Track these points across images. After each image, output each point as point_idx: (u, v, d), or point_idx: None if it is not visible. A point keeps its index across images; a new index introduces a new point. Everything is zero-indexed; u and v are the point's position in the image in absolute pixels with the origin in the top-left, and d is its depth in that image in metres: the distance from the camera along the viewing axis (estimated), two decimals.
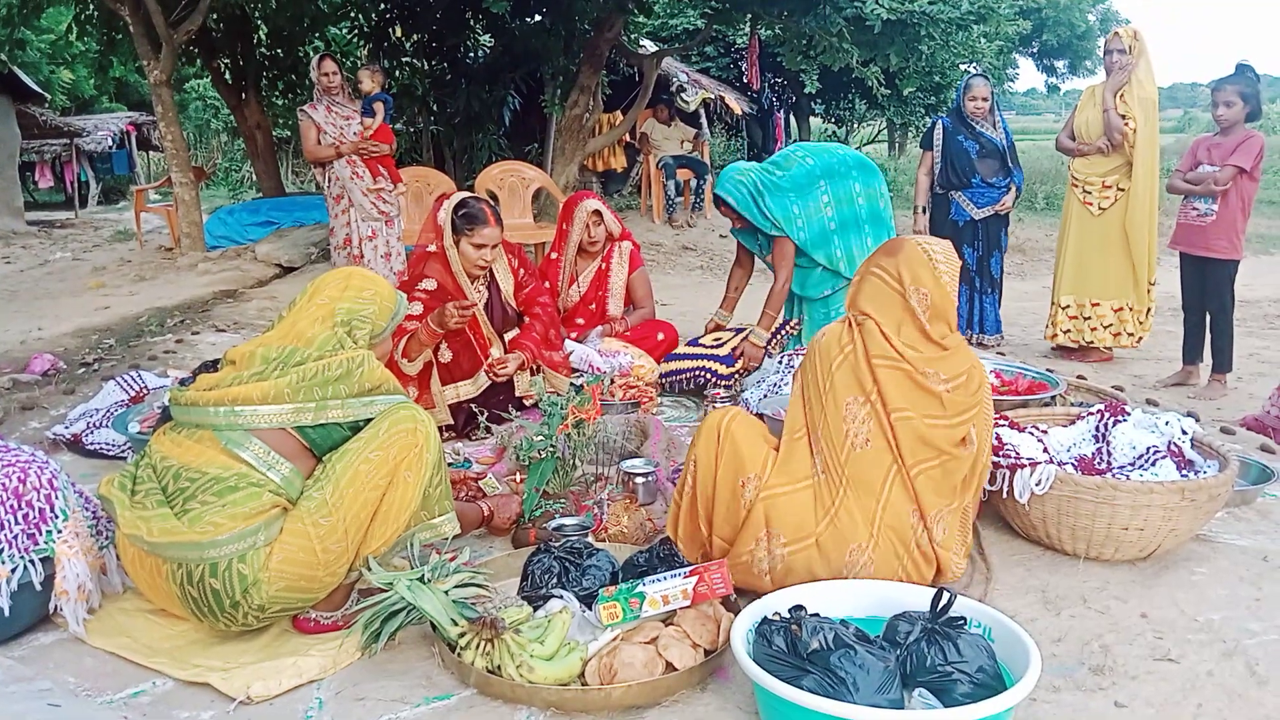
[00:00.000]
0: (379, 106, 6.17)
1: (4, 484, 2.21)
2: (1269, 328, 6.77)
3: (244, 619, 2.12)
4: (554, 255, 4.65)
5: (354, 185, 6.06)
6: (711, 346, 4.22)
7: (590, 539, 2.59)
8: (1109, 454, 2.84)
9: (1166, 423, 2.87)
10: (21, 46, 9.84)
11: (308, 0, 9.70)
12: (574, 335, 4.38)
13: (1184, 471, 2.73)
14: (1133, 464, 2.77)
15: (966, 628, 1.89)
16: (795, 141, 17.68)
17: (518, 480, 3.02)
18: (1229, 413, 4.32)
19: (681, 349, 4.34)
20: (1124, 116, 5.12)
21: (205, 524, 2.06)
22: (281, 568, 2.09)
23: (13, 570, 2.15)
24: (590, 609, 2.15)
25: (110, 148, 17.28)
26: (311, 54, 11.15)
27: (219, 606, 2.09)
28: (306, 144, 6.12)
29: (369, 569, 2.19)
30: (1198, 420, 3.47)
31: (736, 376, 4.05)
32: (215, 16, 9.12)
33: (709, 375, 4.08)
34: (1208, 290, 4.78)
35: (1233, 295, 4.78)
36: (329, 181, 6.16)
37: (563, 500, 2.85)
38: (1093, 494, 2.52)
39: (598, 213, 4.49)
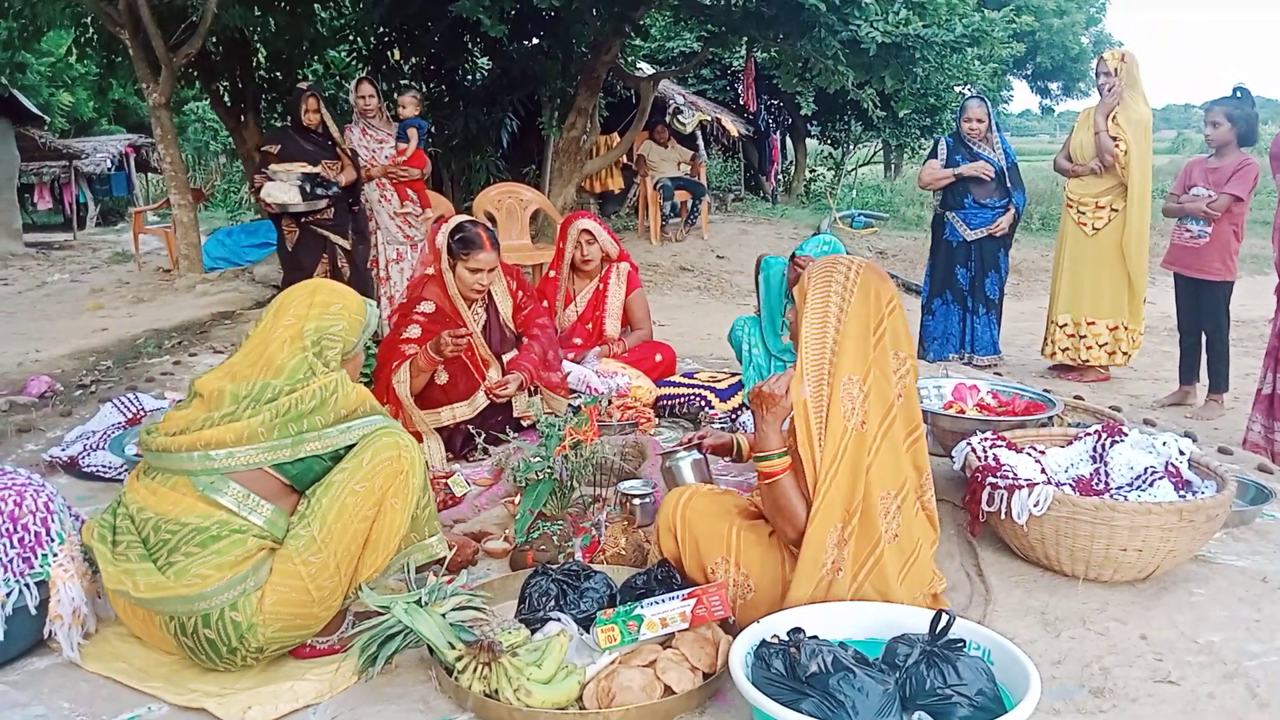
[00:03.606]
0: (413, 132, 6.26)
1: (0, 508, 2.20)
2: (1265, 348, 6.77)
3: (243, 662, 2.11)
4: (552, 273, 4.67)
5: (381, 208, 6.12)
6: (709, 381, 4.23)
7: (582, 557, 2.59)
8: (1107, 475, 2.84)
9: (1164, 443, 2.87)
10: (22, 69, 9.90)
11: (307, 23, 9.78)
12: (571, 355, 4.38)
13: (1182, 492, 2.73)
14: (1130, 485, 2.77)
15: (966, 650, 1.88)
16: (791, 163, 17.78)
17: (515, 502, 3.02)
18: (1226, 433, 4.33)
19: (677, 378, 4.35)
20: (1115, 138, 5.16)
21: (192, 576, 2.02)
22: (276, 609, 2.07)
23: (8, 594, 2.14)
24: (588, 632, 2.14)
25: (109, 170, 17.34)
26: (310, 77, 11.27)
27: (217, 654, 2.07)
28: None
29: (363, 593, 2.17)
30: (1195, 441, 3.47)
31: (731, 415, 4.03)
32: (214, 40, 9.18)
33: (703, 402, 4.09)
34: (1203, 311, 4.80)
35: (1228, 316, 4.80)
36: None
37: (560, 522, 2.84)
38: (1091, 515, 2.52)
39: (588, 231, 4.49)
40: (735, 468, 3.62)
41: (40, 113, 14.40)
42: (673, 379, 4.36)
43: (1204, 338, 4.85)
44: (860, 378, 2.14)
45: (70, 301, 8.07)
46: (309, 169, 5.47)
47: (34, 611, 2.18)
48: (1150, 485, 2.73)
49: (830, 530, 2.10)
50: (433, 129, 10.32)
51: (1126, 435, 2.94)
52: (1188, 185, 4.84)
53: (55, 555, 2.24)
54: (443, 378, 3.71)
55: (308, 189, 5.34)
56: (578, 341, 4.54)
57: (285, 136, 5.77)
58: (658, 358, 4.52)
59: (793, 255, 4.07)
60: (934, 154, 5.76)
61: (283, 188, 5.28)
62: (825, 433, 2.12)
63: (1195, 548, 2.63)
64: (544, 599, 2.25)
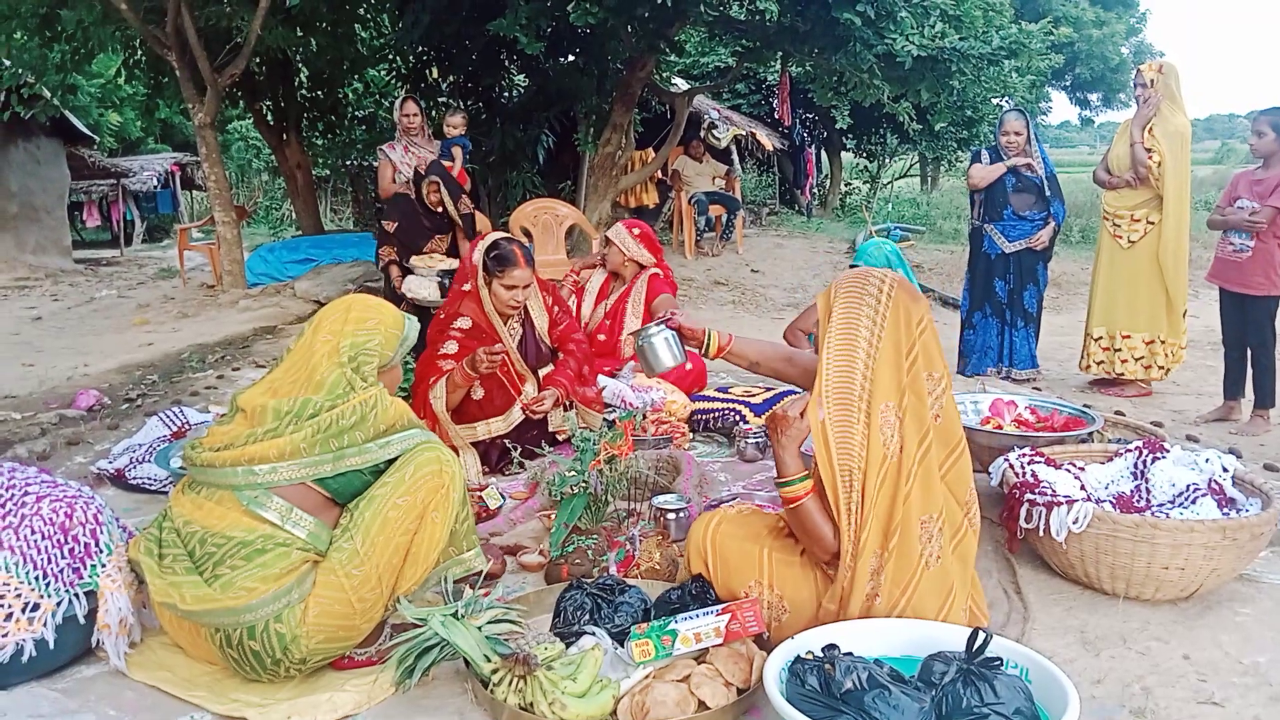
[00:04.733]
0: (457, 151, 6.38)
1: (51, 518, 2.26)
2: None
3: (286, 673, 2.14)
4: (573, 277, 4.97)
5: None
6: (743, 396, 4.24)
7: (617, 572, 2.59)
8: (1148, 491, 2.80)
9: (1207, 460, 2.83)
10: (73, 91, 10.11)
11: (348, 43, 9.95)
12: (607, 369, 4.42)
13: (1225, 510, 2.69)
14: (1172, 502, 2.73)
15: (1003, 669, 1.86)
16: (827, 177, 17.74)
17: (550, 516, 3.04)
18: (1273, 449, 4.25)
19: (710, 392, 4.37)
20: (1149, 150, 5.11)
21: (238, 589, 2.06)
22: (319, 621, 2.10)
23: (58, 604, 2.19)
24: (622, 646, 2.15)
25: (155, 187, 17.71)
26: (350, 95, 11.47)
27: (261, 666, 2.11)
28: (382, 181, 6.42)
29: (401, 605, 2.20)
30: (1239, 457, 3.41)
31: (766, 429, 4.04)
32: (258, 60, 9.37)
33: (738, 417, 4.09)
34: (1248, 325, 4.72)
35: (1274, 330, 4.72)
36: None
37: (595, 536, 2.86)
38: (1131, 532, 2.48)
39: (607, 237, 4.73)
40: (767, 483, 3.62)
41: (90, 133, 14.76)
42: (707, 393, 4.37)
43: (1249, 352, 4.76)
44: (895, 404, 2.11)
45: (117, 317, 8.24)
46: (447, 264, 5.54)
47: (82, 621, 2.23)
48: (1193, 502, 2.69)
49: (872, 559, 2.09)
50: (470, 146, 10.48)
51: (1168, 451, 2.90)
52: (1233, 198, 4.77)
53: (104, 566, 2.29)
54: (479, 393, 3.75)
55: (446, 284, 5.43)
56: (601, 338, 4.69)
57: (407, 213, 5.67)
58: (688, 365, 4.54)
59: (853, 265, 4.11)
60: (977, 159, 5.73)
61: (424, 283, 5.41)
62: (867, 462, 2.09)
63: (1240, 567, 2.59)
64: (579, 613, 2.27)
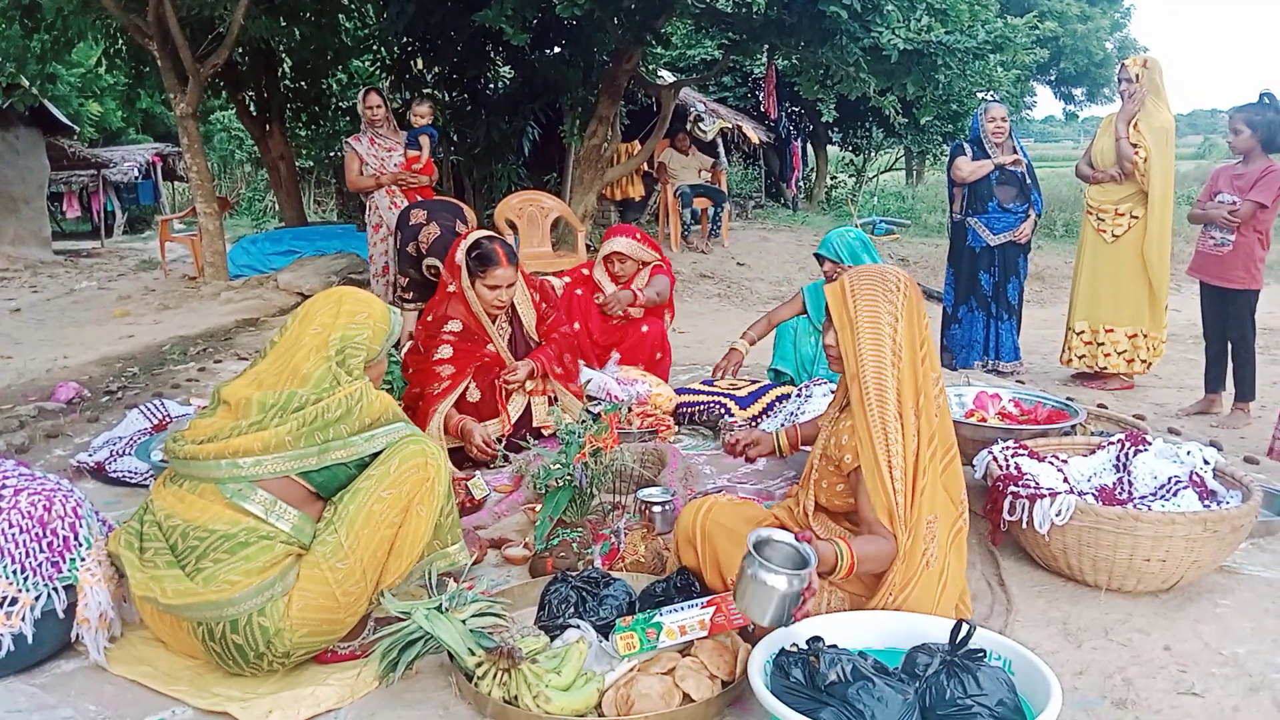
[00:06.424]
0: (424, 140, 6.34)
1: (30, 512, 2.23)
2: None
3: (270, 667, 2.13)
4: (585, 272, 4.86)
5: (391, 215, 6.18)
6: (728, 389, 4.24)
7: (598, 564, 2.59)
8: (1130, 484, 2.82)
9: (1188, 452, 2.85)
10: (52, 80, 10.04)
11: (331, 34, 9.88)
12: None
13: (1206, 502, 2.71)
14: (1154, 494, 2.74)
15: (986, 660, 1.87)
16: (812, 170, 17.78)
17: (535, 509, 3.03)
18: (1253, 442, 4.28)
19: (696, 385, 4.37)
20: (1135, 145, 5.13)
21: (221, 583, 2.04)
22: (303, 615, 2.09)
23: (36, 598, 2.17)
24: (607, 639, 2.15)
25: (136, 178, 17.53)
26: (334, 85, 11.39)
27: (244, 659, 2.10)
28: (349, 174, 6.36)
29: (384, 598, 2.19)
30: (1220, 450, 3.44)
31: (751, 421, 4.04)
32: (241, 50, 9.29)
33: (723, 410, 4.09)
34: (1228, 319, 4.75)
35: (1254, 324, 4.75)
36: (369, 211, 6.33)
37: (580, 529, 2.85)
38: (1114, 525, 2.50)
39: (619, 253, 4.65)
40: (753, 475, 3.62)
41: (70, 123, 14.58)
42: (692, 386, 4.38)
43: (1229, 346, 4.80)
44: (913, 403, 2.11)
45: (98, 309, 8.16)
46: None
47: (61, 615, 2.21)
48: (1174, 495, 2.71)
49: None
50: (455, 137, 10.41)
51: (1150, 444, 2.92)
52: (1214, 192, 4.79)
53: (83, 560, 2.27)
54: (475, 395, 3.72)
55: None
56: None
57: (419, 280, 5.59)
58: (658, 356, 4.62)
59: (816, 254, 4.13)
60: (959, 152, 5.71)
61: None
62: (905, 460, 2.08)
63: (1220, 558, 2.61)
64: (563, 606, 2.26)
